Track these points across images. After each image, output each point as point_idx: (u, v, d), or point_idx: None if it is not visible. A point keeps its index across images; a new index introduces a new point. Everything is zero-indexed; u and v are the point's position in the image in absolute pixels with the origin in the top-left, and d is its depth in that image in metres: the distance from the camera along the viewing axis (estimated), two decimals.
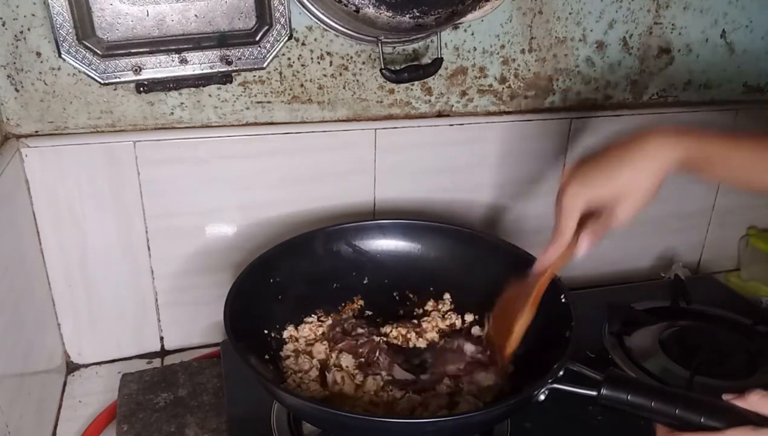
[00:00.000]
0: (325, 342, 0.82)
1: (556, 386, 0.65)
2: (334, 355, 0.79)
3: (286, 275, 0.85)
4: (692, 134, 0.67)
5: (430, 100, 1.00)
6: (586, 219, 0.69)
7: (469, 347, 0.80)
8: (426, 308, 0.90)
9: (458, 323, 0.87)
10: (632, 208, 0.66)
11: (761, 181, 0.70)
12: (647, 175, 0.66)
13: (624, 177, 0.66)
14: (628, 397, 0.63)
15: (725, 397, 0.60)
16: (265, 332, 0.82)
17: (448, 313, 0.88)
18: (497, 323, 0.80)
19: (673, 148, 0.66)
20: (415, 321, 0.88)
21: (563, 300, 0.76)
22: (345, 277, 0.91)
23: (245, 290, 0.78)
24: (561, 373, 0.66)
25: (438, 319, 0.87)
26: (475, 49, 0.98)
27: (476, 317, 0.87)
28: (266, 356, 0.79)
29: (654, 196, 0.67)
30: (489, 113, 1.03)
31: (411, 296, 0.92)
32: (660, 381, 0.86)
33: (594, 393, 0.64)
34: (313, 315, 0.87)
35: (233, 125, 0.93)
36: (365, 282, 0.91)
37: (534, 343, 0.79)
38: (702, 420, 0.59)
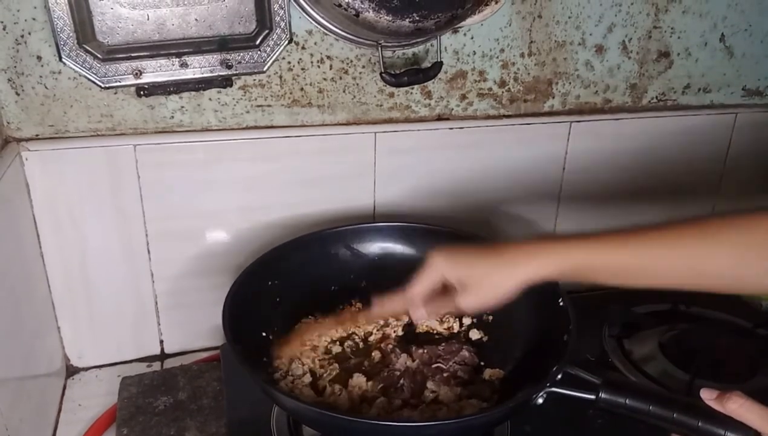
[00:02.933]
0: (323, 355, 0.82)
1: (554, 389, 0.66)
2: (326, 369, 0.79)
3: (284, 277, 0.86)
4: (572, 245, 0.65)
5: (429, 104, 1.00)
6: (447, 291, 0.70)
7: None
8: None
9: (456, 326, 0.87)
10: (475, 302, 0.68)
11: (669, 282, 0.66)
12: (499, 278, 0.66)
13: (479, 269, 0.67)
14: (626, 401, 0.63)
15: (704, 394, 0.59)
16: (263, 334, 0.82)
17: (446, 316, 0.88)
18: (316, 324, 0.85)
19: (544, 259, 0.65)
20: None
21: (561, 304, 0.76)
22: (343, 280, 0.91)
23: (243, 293, 0.78)
24: (559, 377, 0.66)
25: (436, 322, 0.87)
26: (474, 53, 0.98)
27: (474, 320, 0.88)
28: (264, 359, 0.79)
29: (503, 299, 0.67)
30: (488, 117, 1.03)
31: None
32: (660, 384, 0.86)
33: (592, 397, 0.64)
34: (310, 317, 0.87)
35: (233, 129, 0.93)
36: (363, 285, 0.91)
37: (532, 346, 0.79)
38: (699, 424, 0.59)
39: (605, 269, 0.65)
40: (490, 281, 0.67)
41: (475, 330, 0.86)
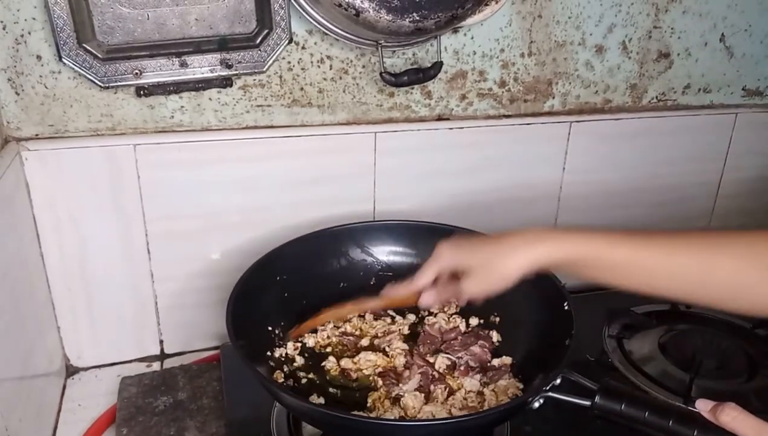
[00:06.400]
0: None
1: (550, 394, 0.65)
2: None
3: (293, 272, 0.86)
4: (575, 233, 0.66)
5: (429, 104, 1.00)
6: (455, 278, 0.72)
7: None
8: (432, 309, 0.90)
9: (462, 326, 0.87)
10: (479, 286, 0.69)
11: (665, 287, 0.65)
12: (501, 263, 0.67)
13: (482, 254, 0.69)
14: (622, 408, 0.62)
15: (699, 405, 0.58)
16: (269, 328, 0.82)
17: (453, 316, 0.88)
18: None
19: (545, 244, 0.66)
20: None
21: (566, 308, 0.76)
22: (352, 277, 0.91)
23: (249, 288, 0.79)
24: (558, 381, 0.66)
25: (443, 321, 0.87)
26: (474, 53, 0.98)
27: (481, 321, 0.88)
28: (268, 353, 0.79)
29: (508, 283, 0.67)
30: (489, 117, 1.03)
31: None
32: (660, 385, 0.86)
33: (588, 403, 0.64)
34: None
35: (233, 129, 0.93)
36: (372, 283, 0.92)
37: (534, 348, 0.79)
38: (695, 434, 0.58)
39: (604, 263, 0.65)
40: (493, 266, 0.68)
41: (494, 332, 0.86)
